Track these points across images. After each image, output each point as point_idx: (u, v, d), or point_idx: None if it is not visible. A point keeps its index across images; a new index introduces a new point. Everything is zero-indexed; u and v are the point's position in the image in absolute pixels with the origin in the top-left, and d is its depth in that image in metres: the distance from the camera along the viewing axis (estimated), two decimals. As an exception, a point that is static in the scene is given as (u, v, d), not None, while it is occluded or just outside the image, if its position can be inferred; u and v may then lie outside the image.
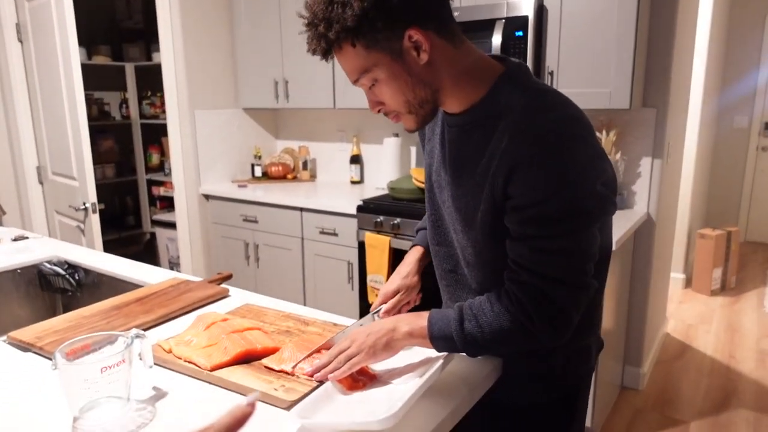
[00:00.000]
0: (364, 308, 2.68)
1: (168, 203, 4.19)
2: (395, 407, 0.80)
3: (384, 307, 1.14)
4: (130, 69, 4.13)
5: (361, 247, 2.65)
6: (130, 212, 4.35)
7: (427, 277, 1.23)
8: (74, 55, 2.51)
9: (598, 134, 2.45)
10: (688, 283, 4.14)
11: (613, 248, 2.01)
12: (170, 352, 1.07)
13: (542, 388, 1.04)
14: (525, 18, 2.28)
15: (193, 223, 3.37)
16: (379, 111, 0.95)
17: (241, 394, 0.95)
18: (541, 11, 2.30)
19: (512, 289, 0.87)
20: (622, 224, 2.26)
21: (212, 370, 1.00)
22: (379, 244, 2.54)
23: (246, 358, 1.03)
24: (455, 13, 2.48)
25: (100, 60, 3.94)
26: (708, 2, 3.63)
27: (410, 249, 1.25)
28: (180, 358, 1.04)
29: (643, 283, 2.60)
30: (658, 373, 2.87)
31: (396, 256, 2.52)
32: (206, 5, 3.26)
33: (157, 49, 3.86)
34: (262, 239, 3.14)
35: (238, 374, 0.99)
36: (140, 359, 0.97)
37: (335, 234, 2.81)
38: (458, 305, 0.93)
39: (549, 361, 1.02)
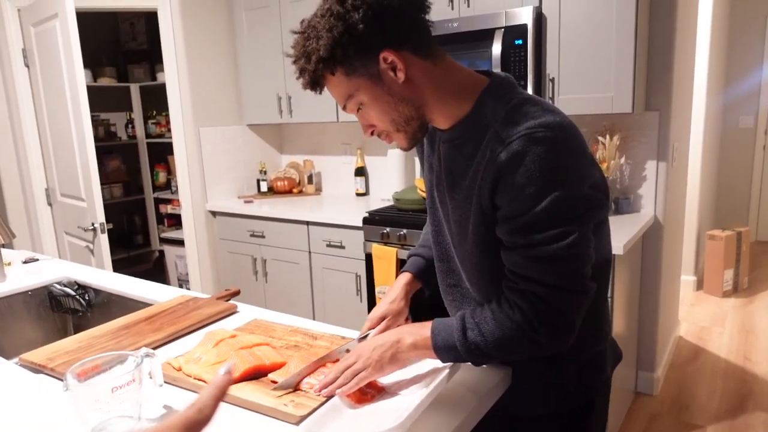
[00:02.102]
0: (373, 320, 2.67)
1: (176, 221, 4.22)
2: (402, 418, 0.80)
3: (372, 333, 1.10)
4: (135, 89, 4.18)
5: (368, 258, 2.65)
6: (138, 231, 4.38)
7: (423, 297, 1.22)
8: (80, 77, 2.55)
9: (601, 139, 2.45)
10: (699, 285, 4.11)
11: (621, 252, 2.01)
12: (180, 370, 1.07)
13: (555, 400, 1.02)
14: (524, 26, 2.29)
15: (201, 240, 3.39)
16: (372, 133, 0.98)
17: (250, 410, 0.95)
18: (539, 19, 2.32)
19: (511, 297, 0.87)
20: (629, 229, 2.25)
21: (222, 387, 1.00)
22: (386, 256, 2.54)
23: (255, 374, 1.04)
24: (454, 24, 2.50)
25: (105, 81, 3.99)
26: (708, 2, 3.63)
27: (400, 274, 1.23)
28: (190, 376, 1.04)
29: (653, 287, 2.58)
30: (672, 378, 2.84)
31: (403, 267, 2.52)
32: (208, 24, 3.31)
33: (162, 69, 3.92)
34: (270, 254, 3.15)
35: (248, 390, 0.99)
36: (150, 378, 0.97)
37: (342, 246, 2.82)
38: (460, 314, 0.92)
39: (561, 371, 1.00)
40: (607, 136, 2.43)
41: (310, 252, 2.97)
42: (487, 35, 2.37)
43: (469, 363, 1.00)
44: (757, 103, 5.15)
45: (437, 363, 0.99)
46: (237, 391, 0.99)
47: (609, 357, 1.08)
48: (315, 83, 0.91)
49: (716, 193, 5.20)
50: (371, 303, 2.70)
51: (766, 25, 5.01)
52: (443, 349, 0.91)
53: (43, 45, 2.81)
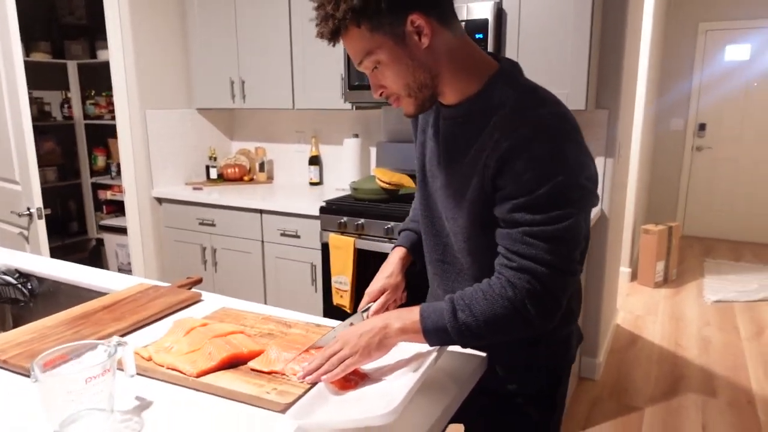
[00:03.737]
0: (328, 310, 2.66)
1: (116, 207, 4.02)
2: (395, 401, 0.80)
3: (373, 306, 1.14)
4: (72, 67, 3.92)
5: (325, 248, 2.63)
6: (73, 218, 4.13)
7: (413, 274, 1.24)
8: (16, 49, 2.37)
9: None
10: (633, 276, 4.35)
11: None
12: (150, 360, 1.03)
13: (528, 378, 1.08)
14: (485, 21, 2.33)
15: (145, 228, 3.25)
16: (381, 94, 0.97)
17: (231, 399, 0.93)
18: (500, 14, 2.36)
19: (506, 274, 0.90)
20: (579, 221, 2.34)
21: (198, 376, 0.96)
22: (343, 245, 2.53)
23: (232, 363, 1.01)
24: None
25: (38, 57, 3.73)
26: (648, 10, 3.82)
27: (393, 249, 1.25)
28: (162, 366, 1.00)
29: (597, 278, 2.71)
30: (611, 363, 3.00)
31: (361, 257, 2.52)
32: (157, 1, 3.15)
33: (102, 47, 3.71)
34: (220, 243, 3.06)
35: (226, 379, 0.96)
36: (119, 369, 0.92)
37: (297, 236, 2.78)
38: (449, 297, 0.94)
39: (534, 351, 1.06)
40: (560, 132, 2.52)
41: (263, 241, 2.91)
42: (448, 28, 2.39)
43: (447, 350, 1.02)
44: (686, 108, 5.49)
45: (419, 348, 1.00)
46: (216, 380, 0.95)
47: (575, 337, 1.14)
48: (335, 32, 0.90)
49: (649, 190, 5.51)
50: (327, 293, 2.68)
51: (696, 34, 5.34)
52: (433, 332, 0.92)
53: (-28, 13, 2.58)
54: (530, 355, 1.07)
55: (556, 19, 2.27)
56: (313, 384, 0.93)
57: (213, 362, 0.99)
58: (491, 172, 0.90)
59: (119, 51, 3.03)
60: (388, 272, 1.19)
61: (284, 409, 0.88)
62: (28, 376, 1.02)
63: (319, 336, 1.12)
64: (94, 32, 3.88)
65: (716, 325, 3.51)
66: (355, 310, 1.58)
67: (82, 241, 4.17)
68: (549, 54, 2.31)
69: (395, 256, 1.22)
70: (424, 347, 0.98)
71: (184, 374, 0.97)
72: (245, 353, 1.02)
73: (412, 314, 0.94)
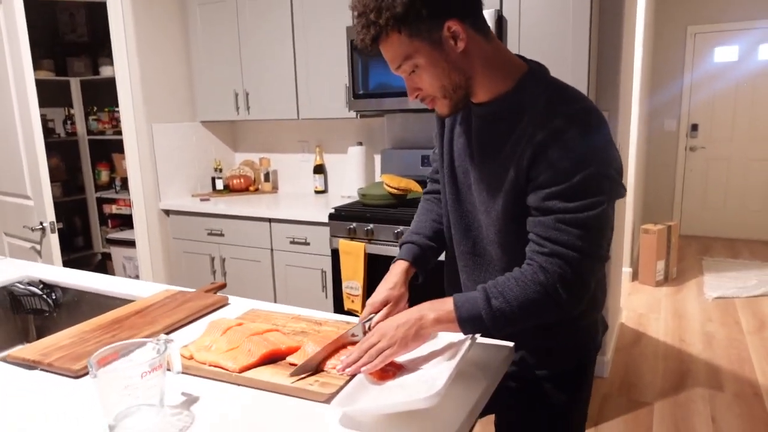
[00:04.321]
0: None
1: (121, 221, 4.04)
2: (437, 385, 0.84)
3: (376, 317, 1.14)
4: (75, 84, 3.96)
5: (335, 254, 2.67)
6: (78, 233, 4.15)
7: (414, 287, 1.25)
8: (28, 69, 2.41)
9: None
10: (634, 276, 4.41)
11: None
12: (192, 358, 1.06)
13: (557, 362, 1.14)
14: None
15: (154, 240, 3.28)
16: (416, 97, 1.02)
17: (274, 392, 0.96)
18: (500, 21, 2.43)
19: (538, 260, 0.95)
20: (585, 220, 2.40)
21: (240, 371, 1.00)
22: (353, 251, 2.57)
23: (271, 359, 1.04)
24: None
25: (42, 75, 3.76)
26: (640, 14, 3.91)
27: (394, 261, 1.25)
28: (204, 363, 1.04)
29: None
30: (619, 360, 3.04)
31: (371, 262, 2.56)
32: (160, 17, 3.21)
33: (105, 63, 3.76)
34: (229, 252, 3.09)
35: (268, 373, 1.00)
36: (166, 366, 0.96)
37: (307, 243, 2.81)
38: (481, 286, 0.98)
39: (562, 335, 1.12)
40: (562, 134, 2.58)
41: (272, 249, 2.94)
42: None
43: (477, 341, 1.07)
44: (678, 108, 5.59)
45: (452, 338, 1.04)
46: (258, 374, 0.99)
47: (601, 325, 1.20)
48: (376, 39, 0.94)
49: (645, 190, 5.59)
50: (337, 299, 2.71)
51: (685, 37, 5.45)
52: (468, 320, 0.96)
53: (-19, 33, 2.62)
54: (559, 340, 1.12)
55: (555, 25, 2.34)
56: (353, 376, 0.97)
57: (253, 358, 1.02)
58: (526, 163, 0.96)
59: (125, 67, 3.08)
60: (392, 284, 1.18)
61: (328, 399, 0.92)
62: (73, 378, 1.05)
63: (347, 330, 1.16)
64: (96, 49, 3.93)
65: (718, 320, 3.56)
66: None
67: (87, 255, 4.19)
68: (549, 59, 2.37)
69: (398, 268, 1.22)
70: (456, 337, 1.03)
71: (227, 370, 1.01)
72: (283, 349, 1.06)
73: (446, 305, 0.98)
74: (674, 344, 3.24)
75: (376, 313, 1.16)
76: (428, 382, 0.91)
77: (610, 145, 0.96)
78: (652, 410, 2.55)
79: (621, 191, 0.99)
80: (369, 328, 1.12)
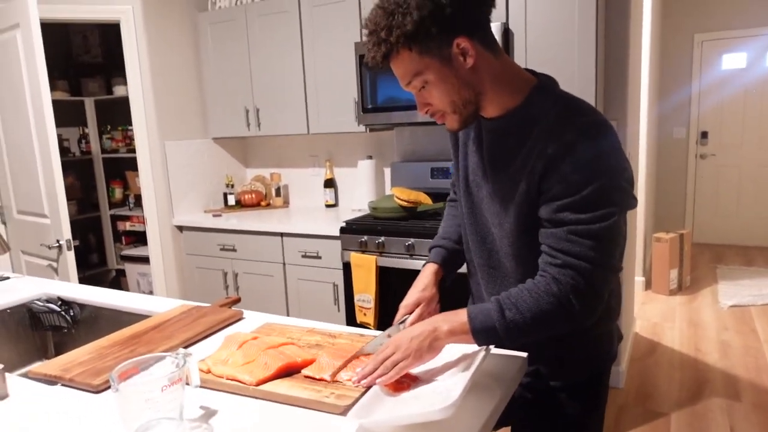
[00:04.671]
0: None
1: (135, 238, 4.10)
2: (453, 396, 0.85)
3: (409, 318, 1.19)
4: (89, 103, 4.05)
5: (347, 267, 2.68)
6: (93, 250, 4.20)
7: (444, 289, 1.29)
8: (45, 90, 2.46)
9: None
10: (648, 285, 4.37)
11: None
12: (209, 372, 1.08)
13: (572, 372, 1.14)
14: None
15: (167, 256, 3.31)
16: (426, 112, 1.05)
17: (291, 405, 0.98)
18: (507, 34, 2.45)
19: (551, 272, 0.96)
20: (596, 229, 2.40)
21: (257, 384, 1.01)
22: (365, 264, 2.58)
23: (287, 372, 1.06)
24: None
25: (57, 95, 3.85)
26: (647, 22, 3.93)
27: (424, 265, 1.30)
28: (221, 377, 1.05)
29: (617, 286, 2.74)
30: (634, 371, 3.01)
31: (383, 274, 2.57)
32: (172, 37, 3.27)
33: (118, 83, 3.84)
34: (242, 267, 3.12)
35: (284, 386, 1.01)
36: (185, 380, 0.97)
37: (318, 257, 2.83)
38: (495, 297, 0.99)
39: (577, 345, 1.12)
40: (571, 144, 2.59)
41: (284, 263, 2.96)
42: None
43: (491, 352, 1.07)
44: (687, 116, 5.58)
45: (466, 350, 1.05)
46: (275, 387, 1.00)
47: (616, 335, 1.20)
48: (387, 56, 0.96)
49: (656, 199, 5.56)
50: (350, 312, 2.72)
51: (692, 43, 5.45)
52: (482, 332, 0.97)
53: (2, 56, 2.69)
54: (574, 350, 1.13)
55: (561, 35, 2.36)
56: (368, 387, 0.98)
57: (270, 371, 1.04)
58: (537, 176, 0.98)
59: (138, 86, 3.14)
60: (422, 286, 1.23)
61: (344, 411, 0.93)
62: (94, 392, 1.07)
63: (364, 344, 1.17)
64: (110, 69, 4.01)
65: (734, 329, 3.52)
66: (379, 327, 1.63)
67: (101, 272, 4.24)
68: (557, 70, 2.39)
69: (428, 270, 1.27)
70: (470, 349, 1.04)
71: (244, 383, 1.02)
72: (299, 362, 1.07)
73: (459, 316, 0.99)
74: (690, 353, 3.21)
75: (410, 314, 1.20)
76: (443, 393, 0.92)
77: (621, 156, 0.97)
78: (669, 421, 2.52)
79: (632, 202, 1.00)
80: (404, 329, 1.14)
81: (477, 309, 0.99)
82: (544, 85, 1.04)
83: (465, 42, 0.95)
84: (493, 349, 1.11)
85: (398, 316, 1.21)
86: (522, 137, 1.02)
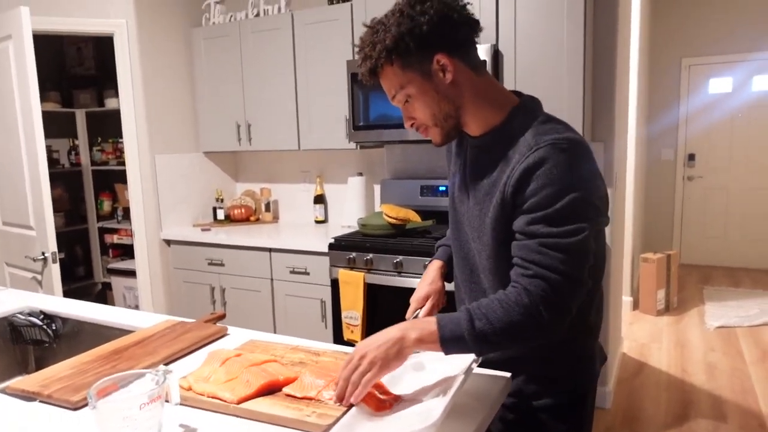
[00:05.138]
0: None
1: (122, 251, 4.06)
2: (433, 417, 0.85)
3: (421, 312, 1.24)
4: (80, 115, 4.04)
5: (335, 284, 2.68)
6: (80, 262, 4.16)
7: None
8: (35, 102, 2.47)
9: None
10: (635, 305, 4.39)
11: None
12: (190, 389, 1.07)
13: (554, 392, 1.13)
14: (483, 62, 2.45)
15: (154, 270, 3.29)
16: (411, 125, 1.10)
17: (272, 423, 0.97)
18: (496, 56, 2.49)
19: (522, 282, 0.97)
20: (583, 249, 2.41)
21: (238, 403, 1.00)
22: (353, 281, 2.58)
23: (269, 390, 1.05)
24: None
25: (49, 107, 3.83)
26: (634, 46, 4.00)
27: (430, 262, 1.38)
28: (202, 395, 1.04)
29: (604, 306, 2.75)
30: (621, 391, 3.01)
31: (371, 292, 2.56)
32: (165, 51, 3.29)
33: (110, 95, 3.84)
34: (229, 282, 3.10)
35: (266, 405, 1.00)
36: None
37: (307, 273, 2.83)
38: (465, 307, 1.00)
39: (558, 365, 1.12)
40: (559, 165, 2.61)
41: (272, 279, 2.95)
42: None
43: (474, 371, 1.07)
44: (675, 138, 5.66)
45: (448, 370, 1.04)
46: (256, 406, 1.00)
47: (597, 355, 1.20)
48: (373, 70, 1.04)
49: (644, 220, 5.61)
50: (337, 329, 2.71)
51: (680, 67, 5.56)
52: (451, 341, 0.96)
53: (-9, 67, 2.69)
54: (556, 369, 1.13)
55: (551, 58, 2.40)
56: (351, 406, 0.97)
57: (251, 389, 1.03)
58: (512, 188, 1.00)
59: (129, 99, 3.15)
60: (430, 279, 1.30)
61: (325, 430, 0.93)
62: (72, 409, 1.06)
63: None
64: (103, 81, 4.01)
65: (721, 350, 3.54)
66: None
67: (88, 285, 4.19)
68: (546, 92, 2.43)
69: (434, 266, 1.34)
70: (452, 369, 1.03)
71: (225, 401, 1.01)
72: (281, 380, 1.06)
73: (428, 324, 0.98)
74: (677, 374, 3.21)
75: (421, 308, 1.26)
76: (424, 413, 0.92)
77: (596, 175, 1.00)
78: (656, 442, 2.52)
79: (604, 220, 1.02)
80: None
81: (447, 318, 0.98)
82: (527, 104, 1.08)
83: (444, 58, 1.00)
84: (476, 369, 1.11)
85: (410, 311, 1.27)
86: (501, 152, 1.05)
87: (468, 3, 1.05)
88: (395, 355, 0.96)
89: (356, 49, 1.07)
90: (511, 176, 1.00)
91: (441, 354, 1.10)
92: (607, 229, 2.69)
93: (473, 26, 1.04)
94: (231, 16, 3.29)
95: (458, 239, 1.21)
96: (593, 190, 0.98)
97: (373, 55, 1.01)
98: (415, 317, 1.21)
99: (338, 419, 0.95)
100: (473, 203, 1.11)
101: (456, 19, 1.01)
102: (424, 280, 1.31)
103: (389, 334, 0.98)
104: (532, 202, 0.97)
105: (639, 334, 3.87)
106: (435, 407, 0.90)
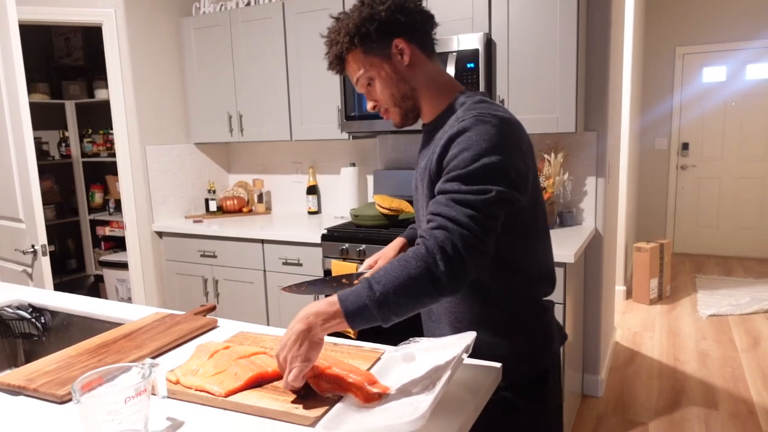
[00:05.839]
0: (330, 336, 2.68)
1: (114, 243, 4.04)
2: (421, 409, 0.84)
3: (365, 268, 1.35)
4: (70, 106, 4.00)
5: (327, 275, 2.67)
6: (71, 255, 4.14)
7: None
8: (22, 92, 2.42)
9: (547, 156, 2.62)
10: (628, 294, 4.41)
11: (572, 261, 2.16)
12: (178, 383, 1.06)
13: (513, 369, 1.14)
14: (476, 51, 2.44)
15: (146, 262, 3.27)
16: (374, 108, 1.21)
17: (260, 416, 0.96)
18: (489, 44, 2.47)
19: (424, 234, 1.00)
20: (575, 239, 2.42)
21: (227, 396, 1.00)
22: (346, 271, 2.57)
23: (257, 382, 1.04)
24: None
25: (37, 98, 3.80)
26: (628, 35, 3.99)
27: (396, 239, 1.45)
28: (190, 388, 1.03)
29: (595, 296, 2.77)
30: (613, 380, 3.03)
31: (364, 282, 2.55)
32: (155, 42, 3.25)
33: (100, 86, 3.80)
34: (222, 274, 3.08)
35: (254, 397, 0.99)
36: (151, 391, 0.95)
37: (299, 264, 2.82)
38: (363, 278, 0.99)
39: (515, 341, 1.17)
40: (552, 154, 2.61)
41: (265, 270, 2.94)
42: (441, 59, 2.47)
43: (464, 362, 1.07)
44: (669, 127, 5.66)
45: (438, 361, 1.04)
46: (244, 399, 0.99)
47: (556, 334, 1.25)
48: (340, 56, 1.14)
49: (637, 209, 5.62)
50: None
51: (674, 56, 5.55)
52: (355, 313, 0.94)
53: (-23, 57, 2.65)
54: (512, 346, 1.16)
55: (544, 47, 2.39)
56: (339, 398, 0.97)
57: (240, 382, 1.02)
58: (436, 158, 1.09)
59: (119, 90, 3.11)
60: (385, 250, 1.39)
61: (313, 422, 0.92)
62: (58, 403, 1.05)
63: (337, 353, 1.16)
64: (92, 72, 3.97)
65: (712, 338, 3.56)
66: (359, 336, 1.67)
67: (80, 278, 4.17)
68: (538, 81, 2.42)
69: (396, 242, 1.41)
70: (442, 359, 1.03)
71: (213, 395, 1.00)
72: (270, 372, 1.05)
73: (331, 305, 0.96)
74: (669, 363, 3.23)
75: (371, 268, 1.34)
76: (413, 405, 0.91)
77: (517, 151, 1.06)
78: (647, 430, 2.54)
79: (518, 196, 1.04)
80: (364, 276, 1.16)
81: (347, 292, 0.96)
82: (469, 90, 1.19)
83: (402, 43, 1.13)
84: (466, 359, 1.11)
85: (362, 269, 1.36)
86: (440, 130, 1.14)
87: None
88: (310, 347, 0.95)
89: (324, 40, 1.17)
90: (438, 144, 1.09)
91: (431, 344, 1.10)
92: (600, 219, 2.70)
93: (428, 18, 1.16)
94: (221, 5, 3.25)
95: (419, 225, 1.29)
96: (510, 162, 1.03)
97: (338, 40, 1.12)
98: (359, 274, 1.29)
99: (326, 411, 0.94)
100: (420, 179, 1.20)
101: (411, 8, 1.13)
102: (381, 252, 1.38)
103: (295, 328, 0.95)
104: (450, 165, 1.04)
105: (632, 322, 3.89)
106: (423, 399, 0.90)
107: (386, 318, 0.96)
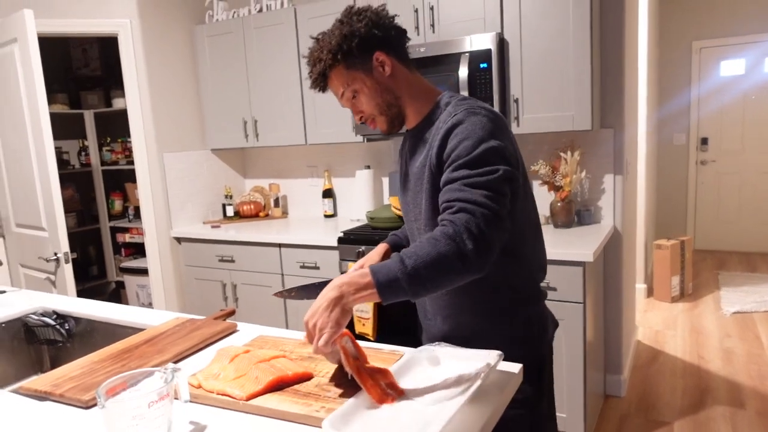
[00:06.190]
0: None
1: (135, 250, 4.10)
2: (431, 430, 0.83)
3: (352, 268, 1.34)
4: (89, 116, 4.06)
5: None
6: (93, 262, 4.20)
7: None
8: (42, 104, 2.48)
9: (563, 154, 2.60)
10: (649, 292, 4.35)
11: (591, 259, 2.14)
12: (200, 387, 1.07)
13: (508, 351, 1.12)
14: (488, 51, 2.42)
15: (166, 268, 3.31)
16: (360, 119, 1.26)
17: (281, 419, 0.97)
18: (502, 44, 2.46)
19: (447, 217, 1.04)
20: (594, 237, 2.39)
21: (248, 399, 1.00)
22: (363, 274, 2.57)
23: (278, 386, 1.05)
24: (421, 49, 2.61)
25: (57, 108, 3.86)
26: (643, 30, 3.94)
27: (379, 245, 1.49)
28: (212, 392, 1.04)
29: (615, 294, 2.73)
30: (636, 379, 2.99)
31: (381, 284, 2.55)
32: (170, 50, 3.29)
33: (117, 95, 3.86)
34: (240, 278, 3.11)
35: (274, 401, 1.00)
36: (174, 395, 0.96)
37: (317, 267, 2.83)
38: (395, 253, 1.03)
39: (510, 324, 1.24)
40: (569, 152, 2.59)
41: (282, 274, 2.96)
42: (453, 59, 2.49)
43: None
44: (687, 122, 5.57)
45: (463, 370, 1.02)
46: (265, 402, 0.99)
47: (549, 320, 1.32)
48: (323, 73, 1.19)
49: (657, 205, 5.54)
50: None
51: (691, 50, 5.46)
52: (386, 285, 0.98)
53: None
54: (509, 328, 1.23)
55: (557, 45, 2.37)
56: (351, 395, 0.97)
57: (260, 386, 1.03)
58: (435, 152, 1.14)
59: (136, 99, 3.16)
60: (369, 256, 1.41)
61: (334, 426, 0.92)
62: (83, 408, 1.07)
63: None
64: (109, 82, 4.04)
65: (737, 336, 3.49)
66: (378, 337, 1.68)
67: (101, 285, 4.23)
68: (552, 78, 2.40)
69: (378, 247, 1.45)
70: (468, 370, 1.01)
71: (234, 398, 1.01)
72: (290, 376, 1.06)
73: (363, 277, 0.99)
74: (693, 361, 3.18)
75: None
76: (422, 420, 0.90)
77: (508, 140, 1.13)
78: (672, 430, 2.49)
79: (517, 176, 1.11)
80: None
81: (379, 265, 1.01)
82: (450, 93, 1.25)
83: (382, 56, 1.19)
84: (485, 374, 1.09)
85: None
86: (428, 134, 1.20)
87: (396, 15, 1.26)
88: (341, 314, 0.99)
89: (306, 60, 1.23)
90: (435, 141, 1.14)
91: (458, 352, 1.09)
92: (618, 216, 2.67)
93: (401, 32, 1.24)
94: (234, 12, 3.28)
95: (409, 226, 1.33)
96: (504, 146, 1.11)
97: (322, 58, 1.17)
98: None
99: (345, 413, 0.94)
100: (412, 185, 1.25)
101: (387, 24, 1.20)
102: (364, 259, 1.39)
103: (328, 295, 1.00)
104: (453, 155, 1.10)
105: (654, 321, 3.83)
106: (435, 418, 0.88)
107: (416, 292, 1.00)
